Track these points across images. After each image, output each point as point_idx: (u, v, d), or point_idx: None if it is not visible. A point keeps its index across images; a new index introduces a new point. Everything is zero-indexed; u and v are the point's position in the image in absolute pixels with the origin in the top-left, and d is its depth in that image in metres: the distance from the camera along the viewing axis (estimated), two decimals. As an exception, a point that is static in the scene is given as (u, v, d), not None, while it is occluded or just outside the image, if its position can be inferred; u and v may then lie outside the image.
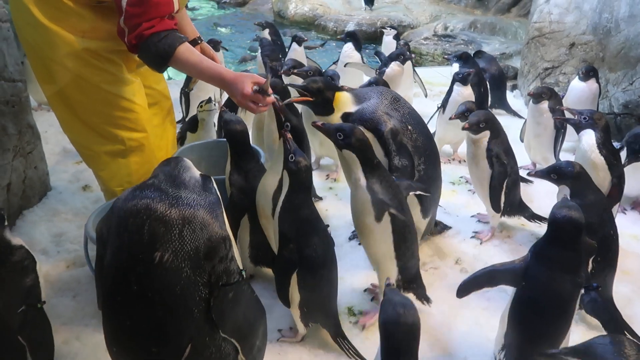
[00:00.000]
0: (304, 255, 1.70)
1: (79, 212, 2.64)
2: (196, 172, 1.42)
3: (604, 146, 2.26)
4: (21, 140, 2.57)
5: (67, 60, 1.92)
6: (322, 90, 2.10)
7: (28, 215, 2.60)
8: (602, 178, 2.21)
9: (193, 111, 3.37)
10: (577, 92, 3.27)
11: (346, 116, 2.09)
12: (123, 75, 2.05)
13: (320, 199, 2.81)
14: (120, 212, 1.24)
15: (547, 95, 2.87)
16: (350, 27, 7.68)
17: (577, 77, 3.32)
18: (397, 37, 4.79)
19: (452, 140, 3.36)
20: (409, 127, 2.09)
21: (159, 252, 1.18)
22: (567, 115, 2.41)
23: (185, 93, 3.61)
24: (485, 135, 2.35)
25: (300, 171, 1.70)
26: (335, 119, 2.10)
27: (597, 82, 3.26)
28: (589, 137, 2.28)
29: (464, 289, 1.71)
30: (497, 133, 2.37)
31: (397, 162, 2.01)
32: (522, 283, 1.58)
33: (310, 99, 2.10)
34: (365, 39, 7.55)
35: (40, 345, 1.51)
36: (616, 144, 3.05)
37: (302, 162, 1.70)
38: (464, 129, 2.35)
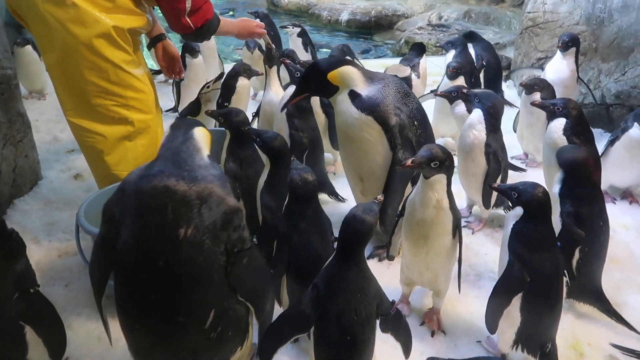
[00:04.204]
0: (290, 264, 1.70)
1: (70, 201, 2.63)
2: (204, 149, 1.44)
3: (571, 129, 2.28)
4: (11, 129, 2.55)
5: (95, 41, 1.91)
6: (309, 80, 2.10)
7: (19, 204, 2.59)
8: None
9: (184, 100, 3.50)
10: (553, 70, 3.21)
11: (354, 95, 2.03)
12: (134, 55, 2.05)
13: (344, 200, 2.67)
14: (138, 194, 1.27)
15: (540, 86, 2.87)
16: (345, 16, 7.63)
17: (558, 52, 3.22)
18: (302, 35, 4.33)
19: (445, 132, 3.36)
20: (415, 123, 2.12)
21: (183, 229, 1.24)
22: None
23: (177, 83, 3.65)
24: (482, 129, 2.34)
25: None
26: (342, 96, 2.04)
27: (576, 56, 3.16)
28: (558, 122, 2.31)
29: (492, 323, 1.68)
30: (496, 127, 2.36)
31: (401, 155, 2.02)
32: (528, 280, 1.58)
33: (305, 94, 2.10)
34: (359, 27, 7.54)
35: (48, 328, 1.51)
36: (608, 135, 3.07)
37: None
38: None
